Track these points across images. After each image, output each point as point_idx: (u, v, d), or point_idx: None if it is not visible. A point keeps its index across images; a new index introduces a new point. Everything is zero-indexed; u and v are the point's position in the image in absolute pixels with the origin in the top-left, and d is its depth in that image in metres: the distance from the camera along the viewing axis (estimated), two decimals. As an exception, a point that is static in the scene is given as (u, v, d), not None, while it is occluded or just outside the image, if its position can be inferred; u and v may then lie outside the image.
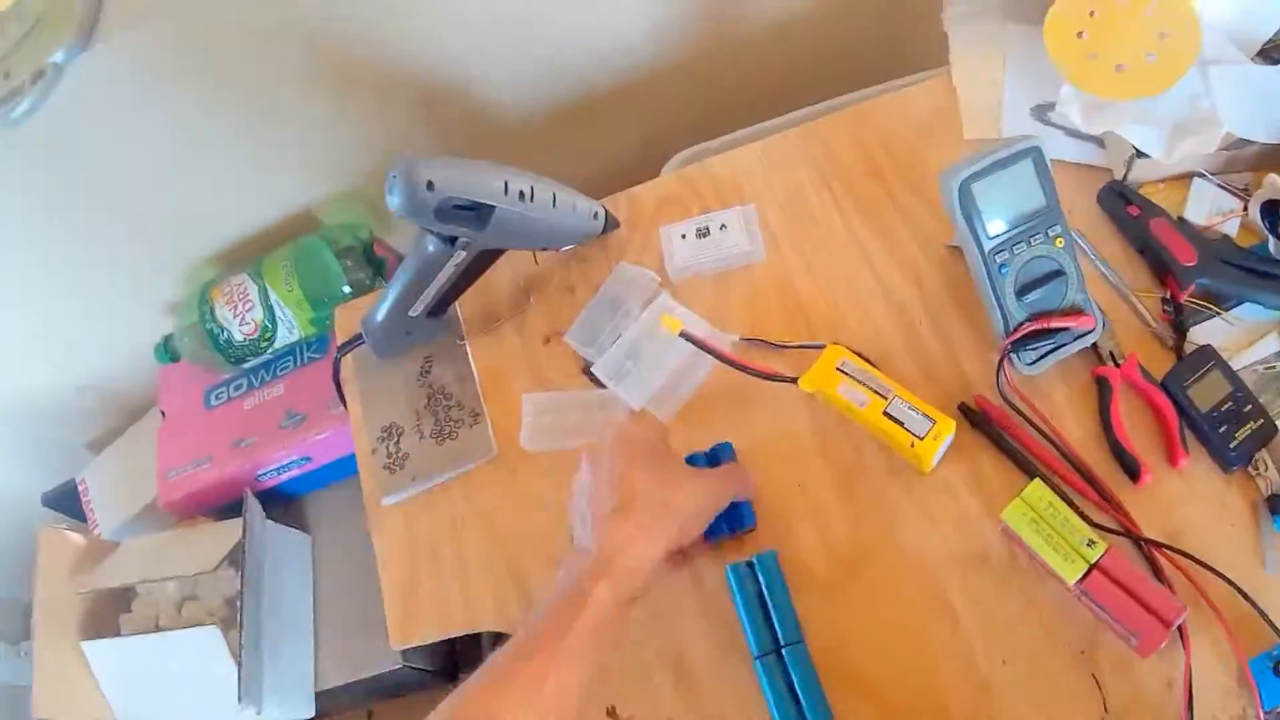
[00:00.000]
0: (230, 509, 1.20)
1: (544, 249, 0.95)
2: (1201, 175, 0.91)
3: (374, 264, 1.17)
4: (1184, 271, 0.84)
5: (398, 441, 0.92)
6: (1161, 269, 0.87)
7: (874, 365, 0.84)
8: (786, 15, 1.18)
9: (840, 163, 0.97)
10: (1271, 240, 0.87)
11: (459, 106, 1.16)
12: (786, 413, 0.86)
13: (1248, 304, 0.86)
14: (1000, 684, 0.75)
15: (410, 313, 0.91)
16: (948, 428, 0.79)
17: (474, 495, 0.89)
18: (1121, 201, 0.89)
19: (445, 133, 1.19)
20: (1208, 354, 0.83)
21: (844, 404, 0.81)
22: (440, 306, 0.93)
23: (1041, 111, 0.95)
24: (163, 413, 1.24)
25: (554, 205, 0.87)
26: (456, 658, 1.24)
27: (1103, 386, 0.82)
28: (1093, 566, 0.74)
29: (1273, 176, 0.88)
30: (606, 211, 0.95)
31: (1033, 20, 0.99)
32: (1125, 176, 0.91)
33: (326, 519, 1.21)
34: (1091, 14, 0.92)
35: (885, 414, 0.80)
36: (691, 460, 0.83)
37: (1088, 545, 0.75)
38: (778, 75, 1.25)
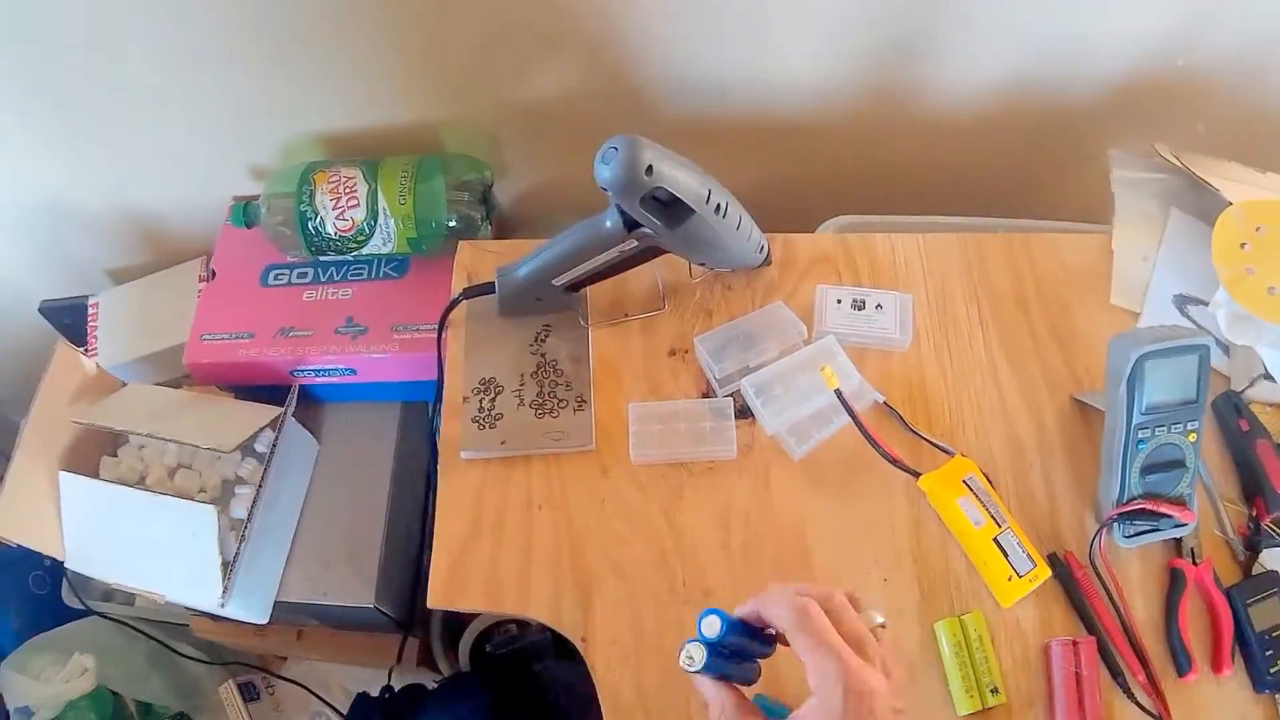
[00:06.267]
0: (249, 390, 1.15)
1: (703, 264, 0.94)
2: (1313, 414, 0.96)
3: (487, 205, 1.12)
4: (1275, 498, 0.89)
5: (494, 399, 0.90)
6: (1253, 487, 0.91)
7: (995, 489, 0.86)
8: (958, 119, 1.19)
9: (992, 282, 0.99)
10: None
11: (612, 86, 1.12)
12: (895, 498, 0.88)
13: (1325, 546, 0.92)
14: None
15: (554, 281, 0.89)
16: (1044, 573, 0.82)
17: (558, 482, 0.87)
18: (1234, 413, 0.93)
19: (585, 104, 1.13)
20: (1273, 579, 0.87)
21: (956, 516, 0.84)
22: (582, 284, 0.91)
23: (1182, 301, 1.00)
24: (213, 271, 1.17)
25: (737, 227, 0.86)
26: (417, 613, 1.20)
27: (1175, 578, 0.86)
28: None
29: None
30: (769, 248, 0.94)
31: (1191, 211, 1.04)
32: (1244, 391, 0.95)
33: (338, 434, 1.17)
34: (1257, 229, 0.96)
35: (995, 541, 0.82)
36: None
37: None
38: (933, 172, 1.26)
